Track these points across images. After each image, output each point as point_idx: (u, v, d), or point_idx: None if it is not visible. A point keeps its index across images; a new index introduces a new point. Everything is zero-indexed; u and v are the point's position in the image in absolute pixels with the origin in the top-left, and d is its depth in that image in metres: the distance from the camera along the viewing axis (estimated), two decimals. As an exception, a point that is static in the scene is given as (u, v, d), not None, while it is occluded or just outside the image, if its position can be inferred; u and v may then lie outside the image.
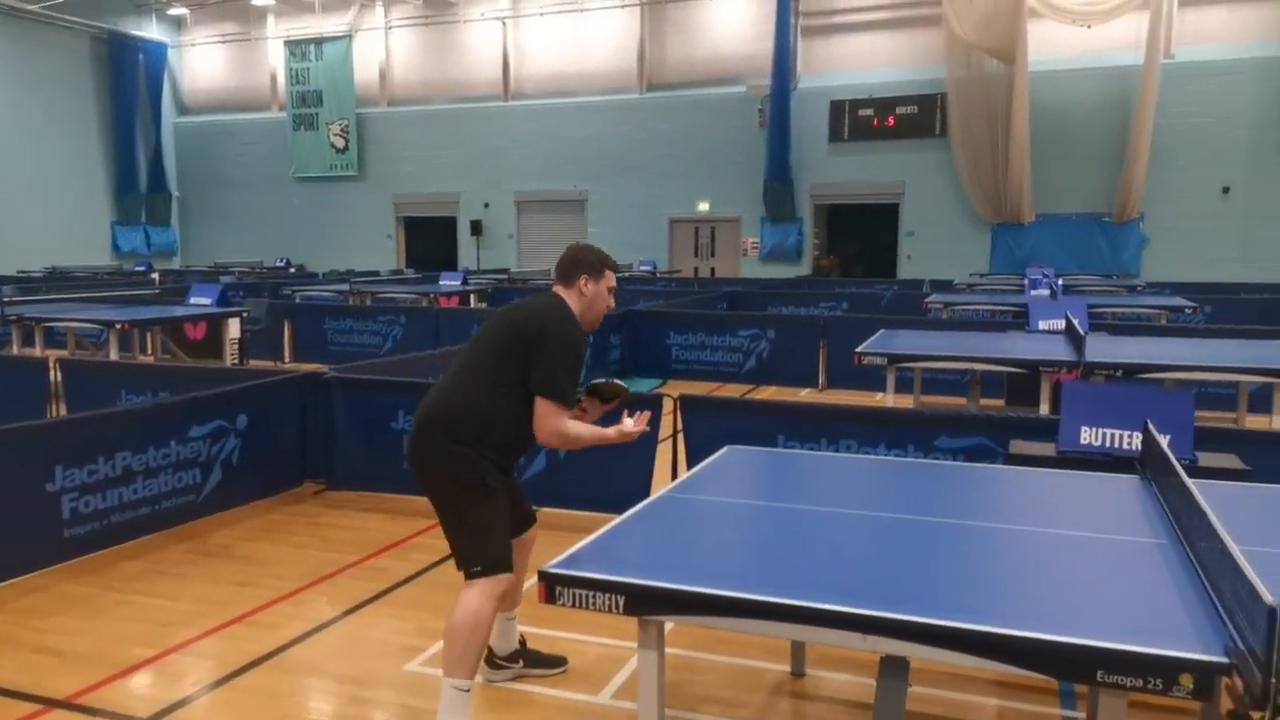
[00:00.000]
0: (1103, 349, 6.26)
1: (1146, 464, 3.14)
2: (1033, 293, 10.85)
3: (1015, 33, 19.64)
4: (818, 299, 13.54)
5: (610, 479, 5.15)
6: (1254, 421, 6.52)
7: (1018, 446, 3.91)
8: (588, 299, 3.22)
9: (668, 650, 2.97)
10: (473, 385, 3.08)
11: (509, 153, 24.97)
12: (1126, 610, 2.09)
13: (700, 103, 23.29)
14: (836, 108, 21.97)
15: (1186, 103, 19.00)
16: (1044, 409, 5.92)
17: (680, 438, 5.43)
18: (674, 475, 5.08)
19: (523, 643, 3.59)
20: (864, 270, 23.58)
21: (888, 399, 6.50)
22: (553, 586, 2.25)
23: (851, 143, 21.92)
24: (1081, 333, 6.13)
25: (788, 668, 3.50)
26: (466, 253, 25.81)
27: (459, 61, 25.64)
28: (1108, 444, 3.52)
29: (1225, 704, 2.88)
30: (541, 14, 24.40)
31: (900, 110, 21.55)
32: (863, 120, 21.87)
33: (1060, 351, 6.27)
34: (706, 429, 5.27)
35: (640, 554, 2.57)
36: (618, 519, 2.81)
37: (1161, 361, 5.93)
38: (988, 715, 3.23)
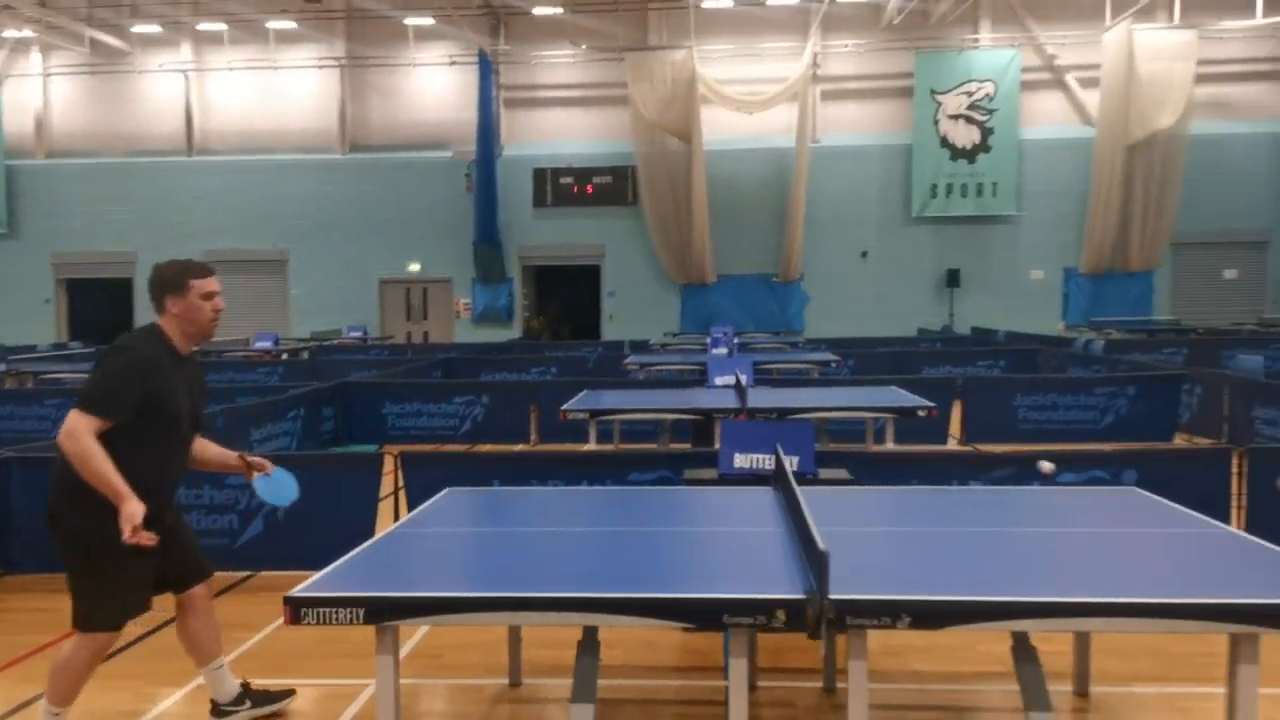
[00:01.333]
0: (763, 397, 7.46)
1: (776, 478, 4.04)
2: (712, 351, 12.34)
3: (690, 115, 22.05)
4: (529, 364, 14.16)
5: (331, 538, 5.34)
6: (878, 447, 8.03)
7: (691, 473, 4.74)
8: (181, 316, 3.32)
9: (407, 681, 3.34)
10: None
11: (195, 210, 23.58)
12: (749, 574, 2.83)
13: (407, 166, 23.56)
14: (539, 175, 23.24)
15: (831, 180, 22.32)
16: (717, 445, 6.94)
17: (402, 494, 5.75)
18: (396, 526, 5.40)
19: (246, 685, 3.73)
20: (570, 331, 24.83)
21: (590, 447, 7.24)
22: (298, 609, 2.58)
23: (555, 208, 23.25)
24: (745, 386, 7.29)
25: (506, 680, 3.98)
26: (145, 318, 23.83)
27: (134, 112, 23.94)
28: (753, 466, 4.42)
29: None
30: (230, 68, 23.52)
31: (597, 180, 23.25)
32: (564, 187, 23.31)
33: (730, 401, 7.37)
34: (427, 482, 5.64)
35: (374, 575, 2.96)
36: (351, 553, 3.17)
37: (807, 405, 7.20)
38: (669, 691, 3.92)
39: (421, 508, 3.82)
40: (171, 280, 3.33)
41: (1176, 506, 3.59)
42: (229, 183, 23.59)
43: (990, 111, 21.92)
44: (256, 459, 3.60)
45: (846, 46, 22.31)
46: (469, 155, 23.30)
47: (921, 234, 22.40)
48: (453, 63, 23.46)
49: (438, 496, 3.94)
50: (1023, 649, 2.90)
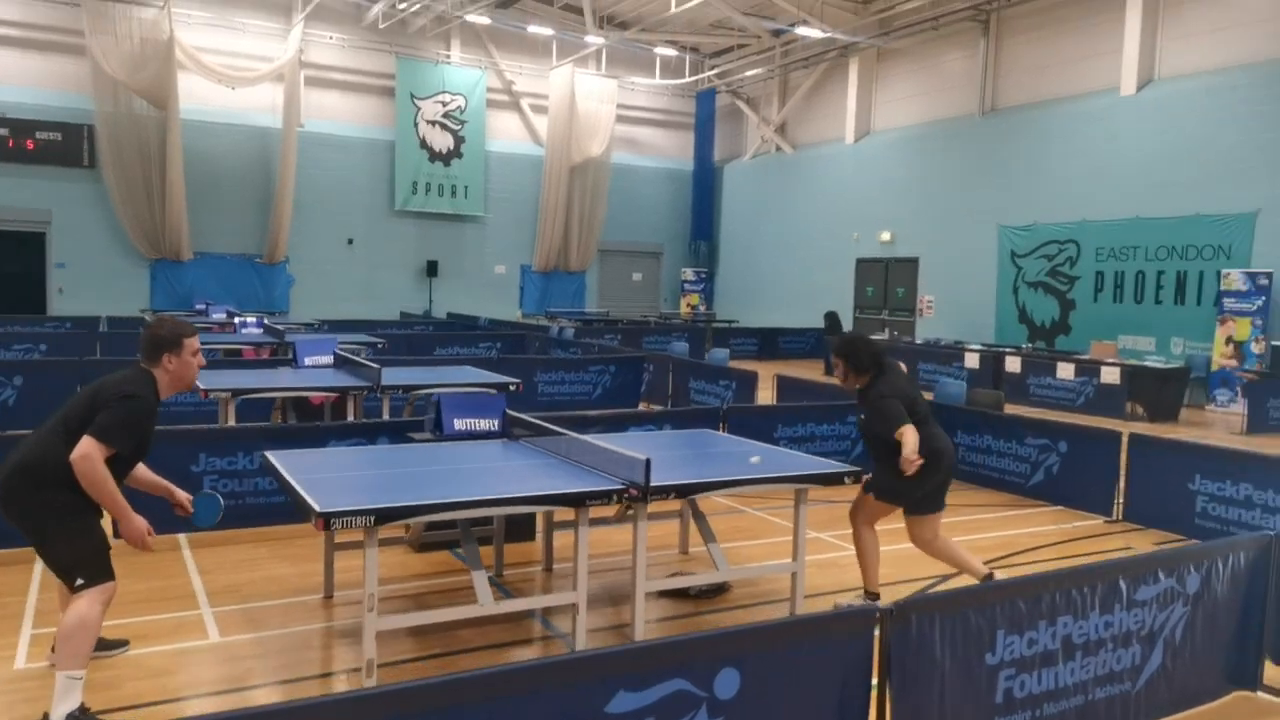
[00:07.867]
0: (391, 376, 8.49)
1: (510, 430, 5.71)
2: (243, 331, 12.80)
3: (166, 80, 20.76)
4: (13, 340, 12.66)
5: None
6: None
7: (416, 435, 6.05)
8: (174, 372, 3.88)
9: (227, 608, 4.31)
10: (55, 438, 3.68)
11: None
12: (574, 482, 4.57)
13: None
14: (-38, 121, 19.64)
15: (319, 166, 22.94)
16: (353, 417, 8.09)
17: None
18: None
19: None
20: (3, 306, 21.29)
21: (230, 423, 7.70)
22: (328, 520, 3.63)
23: (-15, 162, 19.87)
24: (375, 366, 8.38)
25: (321, 594, 5.06)
26: None
27: None
28: (469, 428, 5.90)
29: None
30: None
31: (42, 135, 20.53)
32: (-3, 139, 20.04)
33: (344, 380, 8.38)
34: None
35: (363, 496, 3.91)
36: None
37: (431, 381, 8.50)
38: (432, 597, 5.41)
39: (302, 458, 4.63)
40: (170, 339, 3.88)
41: (729, 435, 6.24)
42: None
43: (462, 122, 24.71)
44: (180, 498, 4.16)
45: (330, 39, 23.08)
46: None
47: (405, 226, 24.31)
48: None
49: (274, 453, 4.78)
50: (695, 509, 5.20)
